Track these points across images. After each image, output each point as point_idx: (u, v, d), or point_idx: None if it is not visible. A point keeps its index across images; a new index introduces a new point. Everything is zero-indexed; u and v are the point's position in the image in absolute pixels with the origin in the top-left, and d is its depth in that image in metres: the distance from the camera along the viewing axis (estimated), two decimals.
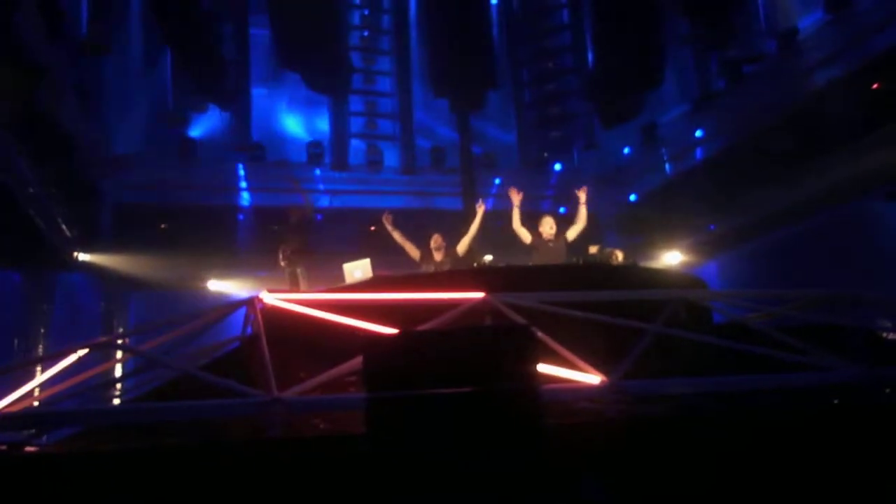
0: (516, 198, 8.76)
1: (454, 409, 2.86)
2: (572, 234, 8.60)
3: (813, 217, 12.62)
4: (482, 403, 2.87)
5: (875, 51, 11.18)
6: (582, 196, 8.67)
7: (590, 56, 16.00)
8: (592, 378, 4.97)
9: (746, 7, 13.46)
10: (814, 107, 11.95)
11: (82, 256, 14.32)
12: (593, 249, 8.84)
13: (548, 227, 8.56)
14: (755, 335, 6.11)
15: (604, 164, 17.64)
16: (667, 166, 16.11)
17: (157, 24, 13.62)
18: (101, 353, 6.87)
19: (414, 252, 8.72)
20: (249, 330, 6.55)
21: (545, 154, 17.47)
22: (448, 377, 2.88)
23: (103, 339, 7.71)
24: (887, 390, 5.48)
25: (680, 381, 5.54)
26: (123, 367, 8.18)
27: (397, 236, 8.84)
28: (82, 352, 5.72)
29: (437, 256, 9.11)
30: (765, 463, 4.62)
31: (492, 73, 15.73)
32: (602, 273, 8.20)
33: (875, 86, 10.94)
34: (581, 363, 5.13)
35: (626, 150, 17.47)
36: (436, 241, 9.05)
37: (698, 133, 15.41)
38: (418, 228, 14.09)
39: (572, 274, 7.65)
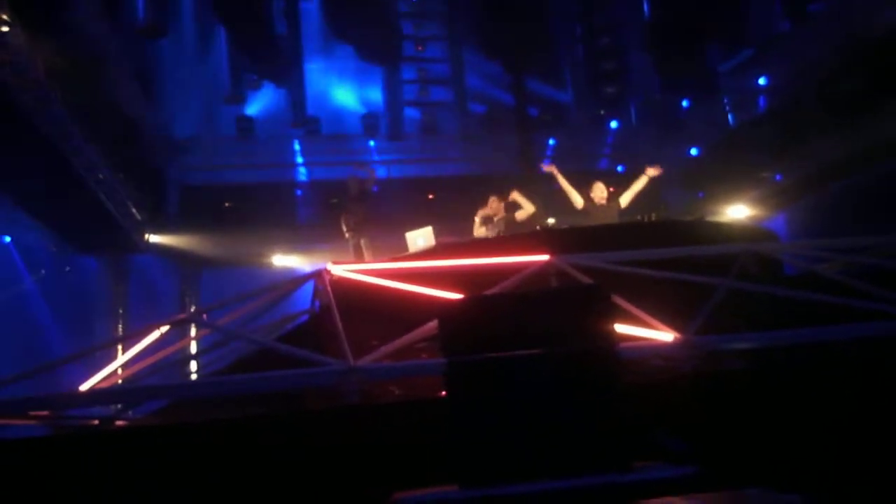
0: (555, 170, 8.67)
1: (533, 370, 2.88)
2: (625, 199, 8.44)
3: (884, 163, 12.06)
4: (560, 364, 2.88)
5: None
6: (651, 171, 8.48)
7: (646, 6, 15.51)
8: (666, 335, 4.92)
9: None
10: (884, 45, 11.34)
11: (153, 238, 14.81)
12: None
13: (599, 192, 8.43)
14: (828, 285, 5.93)
15: (663, 118, 17.20)
16: (729, 117, 15.60)
17: (209, 4, 13.79)
18: (178, 330, 7.12)
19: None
20: (318, 302, 6.70)
21: (601, 112, 17.11)
22: (524, 339, 2.89)
23: (183, 315, 7.97)
24: None
25: (754, 336, 5.43)
26: (200, 343, 8.47)
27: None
28: (164, 328, 5.93)
29: (491, 221, 9.08)
30: (842, 415, 4.51)
31: (544, 32, 15.41)
32: (668, 230, 8.06)
33: None
34: (653, 321, 5.08)
35: (685, 103, 16.98)
36: (492, 204, 9.02)
37: (762, 80, 14.85)
38: (477, 194, 14.09)
39: (638, 232, 7.53)
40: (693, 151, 16.71)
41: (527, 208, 8.71)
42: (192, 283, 16.28)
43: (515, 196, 8.77)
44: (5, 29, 8.20)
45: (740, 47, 15.28)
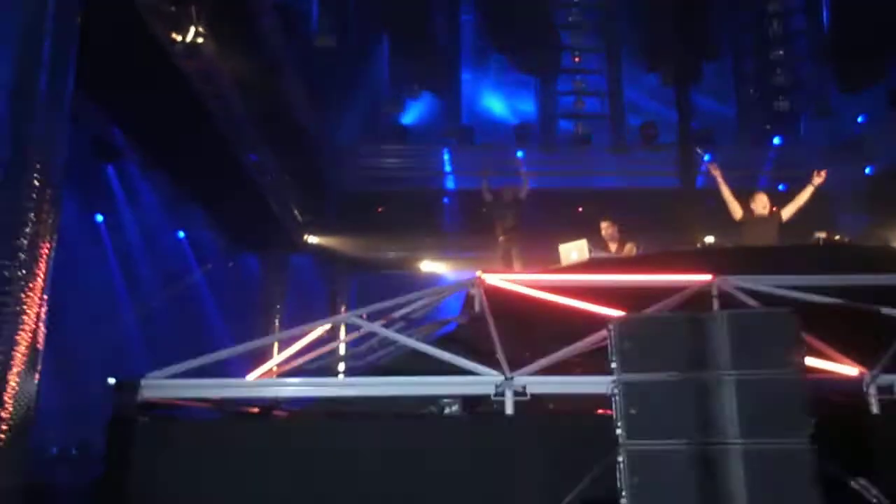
0: (718, 172, 8.19)
1: (714, 394, 2.72)
2: (787, 213, 7.85)
3: None
4: (747, 389, 2.71)
5: None
6: (817, 179, 7.87)
7: (825, 15, 14.48)
8: (849, 370, 4.52)
9: None
10: None
11: (311, 240, 15.58)
12: (821, 234, 8.02)
13: (761, 204, 7.90)
14: None
15: (835, 134, 15.97)
16: None
17: (375, 14, 14.36)
18: (330, 329, 7.41)
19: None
20: (468, 310, 6.73)
21: (768, 126, 16.14)
22: (705, 361, 2.74)
23: (342, 315, 8.30)
24: None
25: None
26: (349, 344, 8.78)
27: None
28: (324, 327, 6.19)
29: (611, 247, 8.85)
30: None
31: (709, 42, 14.78)
32: (844, 255, 7.43)
33: None
34: (835, 353, 4.69)
35: (860, 119, 15.68)
36: (607, 228, 8.79)
37: None
38: (631, 208, 13.73)
39: (807, 256, 7.00)
40: (868, 170, 15.38)
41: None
42: (344, 284, 16.94)
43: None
44: (200, 41, 8.94)
45: None
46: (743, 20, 16.56)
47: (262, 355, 7.06)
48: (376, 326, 6.26)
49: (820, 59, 14.83)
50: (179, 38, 8.87)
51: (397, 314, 6.74)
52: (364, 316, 6.60)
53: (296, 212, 14.36)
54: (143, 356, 14.06)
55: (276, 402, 6.39)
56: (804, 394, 2.76)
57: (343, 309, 16.02)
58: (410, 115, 17.39)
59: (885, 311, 5.18)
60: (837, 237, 7.76)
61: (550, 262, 9.08)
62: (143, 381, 5.06)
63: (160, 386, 5.13)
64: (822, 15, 14.74)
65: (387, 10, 13.33)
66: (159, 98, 9.48)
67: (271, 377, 6.36)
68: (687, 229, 10.21)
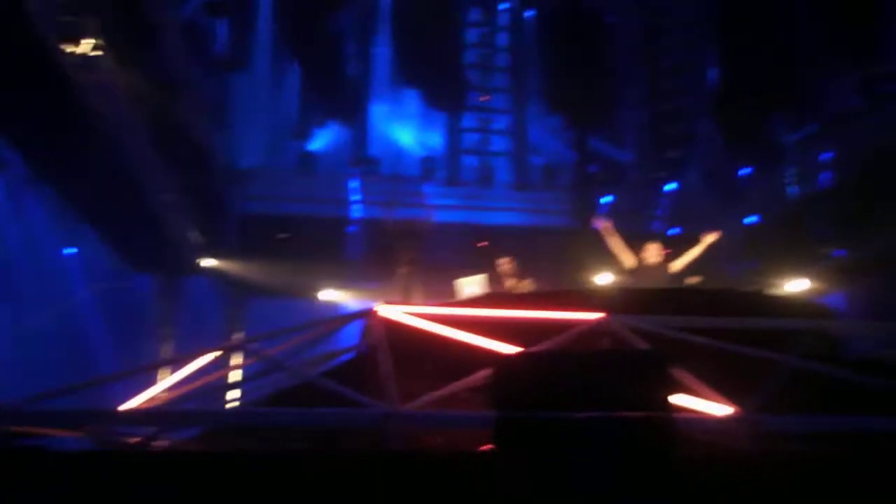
0: (605, 224, 8.51)
1: (585, 434, 2.78)
2: (677, 266, 8.25)
3: None
4: (614, 430, 2.78)
5: None
6: (709, 237, 8.29)
7: (712, 74, 15.51)
8: (724, 409, 4.73)
9: (888, 18, 12.61)
10: None
11: (207, 262, 15.11)
12: (693, 280, 8.46)
13: (652, 254, 8.24)
14: (893, 371, 5.67)
15: (722, 184, 16.99)
16: (792, 188, 15.32)
17: (286, 43, 14.30)
18: (222, 356, 7.17)
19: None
20: (365, 341, 6.67)
21: (661, 174, 17.01)
22: (578, 401, 2.81)
23: (232, 341, 8.05)
24: None
25: (814, 418, 5.20)
26: (243, 371, 8.52)
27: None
28: (214, 354, 5.98)
29: (508, 283, 9.04)
30: None
31: (609, 92, 15.53)
32: (727, 299, 7.85)
33: None
34: (711, 393, 4.91)
35: (745, 171, 16.75)
36: (505, 264, 8.98)
37: (827, 155, 14.58)
38: (529, 245, 14.06)
39: (695, 299, 7.35)
40: (751, 220, 16.41)
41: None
42: (239, 310, 16.49)
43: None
44: (97, 53, 8.62)
45: (807, 120, 15.07)
46: (639, 73, 17.46)
47: (151, 381, 6.74)
48: (268, 354, 6.10)
49: (708, 112, 15.81)
50: (75, 49, 8.52)
51: (292, 342, 6.61)
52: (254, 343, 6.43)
53: (192, 233, 13.91)
54: (19, 381, 13.15)
55: (156, 433, 6.09)
56: (674, 435, 2.86)
57: (237, 335, 15.60)
58: (319, 143, 17.27)
59: (761, 353, 5.49)
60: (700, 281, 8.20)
61: (451, 295, 9.17)
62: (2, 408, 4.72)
63: (21, 414, 4.79)
64: (709, 71, 15.76)
65: (298, 38, 13.29)
66: (50, 109, 9.04)
67: (156, 405, 6.07)
68: (583, 268, 10.53)
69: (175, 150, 11.76)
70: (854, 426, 5.05)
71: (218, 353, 6.13)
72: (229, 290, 16.09)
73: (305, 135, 16.33)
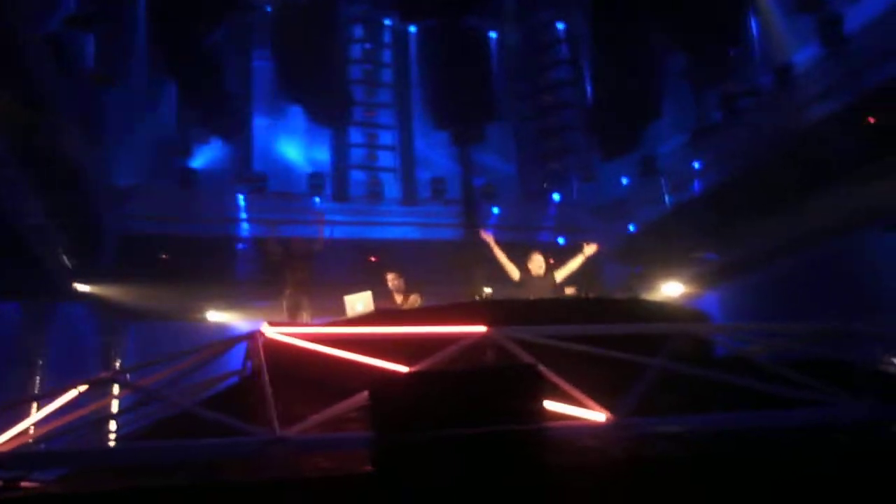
0: (489, 238, 8.81)
1: (460, 450, 2.84)
2: (560, 276, 8.62)
3: (814, 248, 12.64)
4: (488, 445, 2.85)
5: (870, 86, 11.34)
6: (588, 249, 8.68)
7: (589, 90, 16.22)
8: (598, 415, 4.93)
9: (743, 42, 13.63)
10: (811, 140, 12.06)
11: (82, 287, 14.29)
12: (570, 291, 8.86)
13: (536, 264, 8.57)
14: (757, 369, 6.09)
15: (602, 195, 17.75)
16: (666, 197, 16.18)
17: (162, 58, 13.78)
18: (100, 387, 6.82)
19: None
20: (250, 364, 6.52)
21: (545, 185, 17.56)
22: (455, 417, 2.86)
23: (102, 375, 7.63)
24: (894, 428, 5.44)
25: (683, 419, 5.50)
26: (121, 402, 8.13)
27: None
28: (82, 388, 5.67)
29: (397, 298, 9.17)
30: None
31: (492, 106, 15.92)
32: (604, 306, 8.21)
33: (871, 120, 11.03)
34: (586, 400, 5.10)
35: (624, 182, 17.57)
36: (393, 280, 9.12)
37: (696, 165, 15.52)
38: (419, 259, 14.17)
39: (576, 307, 7.64)
40: (630, 228, 17.22)
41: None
42: (120, 335, 15.69)
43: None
44: None
45: (677, 132, 15.99)
46: (521, 89, 17.97)
47: (19, 417, 6.31)
48: (144, 385, 5.85)
49: (585, 128, 16.54)
50: None
51: (173, 369, 6.37)
52: (128, 376, 6.15)
53: (64, 256, 13.13)
54: None
55: (22, 475, 5.72)
56: (543, 445, 2.97)
57: (118, 363, 14.85)
58: (201, 160, 16.72)
59: (631, 357, 5.76)
60: (582, 292, 8.61)
61: (340, 312, 9.09)
62: None
63: None
64: (586, 90, 16.51)
65: (173, 52, 12.84)
66: None
67: (23, 444, 5.70)
68: (472, 281, 10.73)
69: (43, 171, 11.09)
70: (719, 424, 5.38)
71: (90, 386, 5.82)
72: (107, 316, 15.27)
73: (187, 151, 15.76)
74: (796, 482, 4.56)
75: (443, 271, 14.11)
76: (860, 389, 5.54)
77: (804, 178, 12.09)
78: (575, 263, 8.62)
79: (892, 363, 7.48)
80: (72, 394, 5.59)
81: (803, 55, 13.10)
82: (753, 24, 13.81)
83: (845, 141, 11.34)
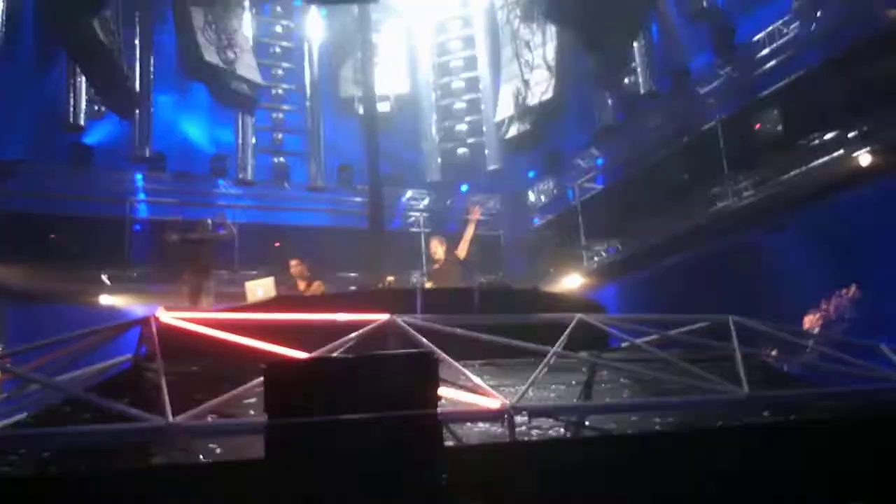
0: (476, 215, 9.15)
1: (355, 435, 2.87)
2: (462, 251, 8.86)
3: (704, 246, 13.34)
4: (382, 430, 2.90)
5: (757, 93, 12.07)
6: (473, 215, 8.99)
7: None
8: (493, 402, 5.07)
9: (644, 46, 14.17)
10: (702, 142, 12.74)
11: None
12: (483, 279, 9.21)
13: (436, 249, 8.84)
14: (648, 358, 6.44)
15: (509, 187, 18.08)
16: (569, 192, 16.65)
17: (52, 26, 12.97)
18: None
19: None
20: (144, 349, 6.32)
21: (453, 175, 17.70)
22: (352, 403, 2.89)
23: None
24: (765, 413, 5.85)
25: (575, 405, 5.74)
26: (3, 388, 7.71)
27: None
28: None
29: (300, 285, 9.20)
30: (656, 483, 4.85)
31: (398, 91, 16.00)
32: (503, 297, 8.44)
33: (757, 126, 11.74)
34: (482, 387, 5.23)
35: (531, 174, 17.97)
36: (295, 266, 9.15)
37: (598, 162, 16.07)
38: (325, 246, 14.02)
39: (478, 297, 7.79)
40: (535, 221, 17.64)
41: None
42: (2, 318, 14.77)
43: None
44: None
45: (582, 130, 16.47)
46: (426, 74, 17.99)
47: None
48: (27, 370, 5.58)
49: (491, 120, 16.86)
50: None
51: (60, 352, 6.11)
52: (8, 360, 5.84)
53: None
54: None
55: None
56: (440, 431, 3.04)
57: None
58: (95, 136, 15.88)
59: (527, 346, 5.96)
60: (496, 280, 8.88)
61: (242, 298, 8.92)
62: None
63: None
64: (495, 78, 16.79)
65: (62, 26, 12.06)
66: None
67: None
68: (377, 269, 10.72)
69: None
70: (608, 409, 5.65)
71: None
72: None
73: (79, 128, 14.92)
74: (677, 460, 4.85)
75: (349, 259, 14.04)
76: (738, 377, 5.92)
77: (696, 178, 12.76)
78: (468, 233, 8.92)
79: (771, 355, 8.05)
80: None
81: (700, 61, 13.78)
82: (654, 30, 14.36)
83: (733, 145, 12.03)
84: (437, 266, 9.15)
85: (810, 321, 12.02)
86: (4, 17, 12.75)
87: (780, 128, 11.31)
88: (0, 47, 12.53)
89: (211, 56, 14.72)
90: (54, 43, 13.89)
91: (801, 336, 8.94)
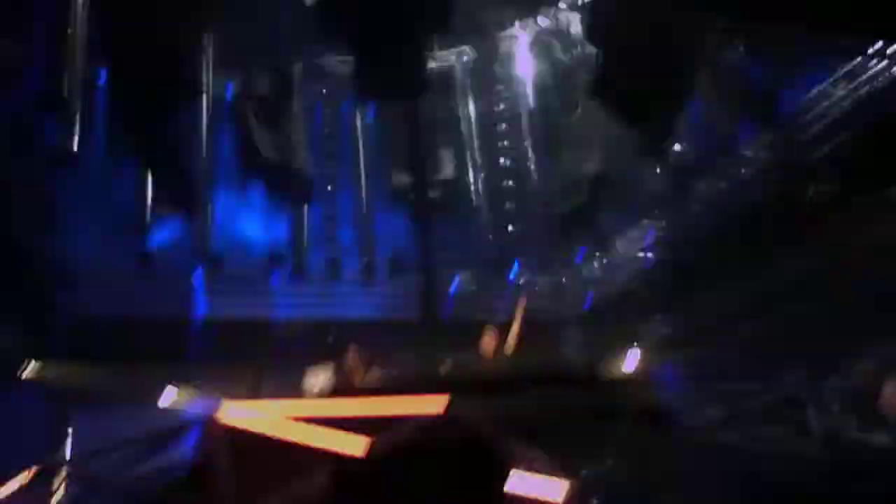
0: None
1: None
2: (510, 344, 8.86)
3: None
4: None
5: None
6: (521, 306, 8.93)
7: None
8: (563, 487, 4.90)
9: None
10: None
11: (32, 370, 13.77)
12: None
13: (488, 341, 8.82)
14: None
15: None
16: (621, 267, 16.43)
17: (122, 136, 13.73)
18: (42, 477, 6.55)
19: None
20: (205, 448, 6.36)
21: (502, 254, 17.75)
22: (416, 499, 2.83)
23: (49, 462, 7.37)
24: None
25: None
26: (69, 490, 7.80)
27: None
28: (30, 474, 5.46)
29: (356, 374, 9.15)
30: None
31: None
32: (564, 377, 8.24)
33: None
34: (550, 469, 5.09)
35: (580, 249, 17.83)
36: (352, 356, 9.11)
37: (647, 237, 15.92)
38: (378, 337, 14.07)
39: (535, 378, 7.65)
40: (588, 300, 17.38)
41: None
42: (69, 419, 15.06)
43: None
44: None
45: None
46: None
47: None
48: (92, 474, 5.64)
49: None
50: None
51: (124, 455, 6.20)
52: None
53: (13, 338, 12.71)
54: None
55: None
56: None
57: (63, 450, 14.22)
58: (157, 238, 16.48)
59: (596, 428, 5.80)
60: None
61: (299, 390, 8.97)
62: None
63: None
64: None
65: (131, 134, 12.79)
66: None
67: None
68: (431, 358, 10.70)
69: None
70: None
71: (32, 475, 5.60)
72: (57, 399, 14.67)
73: (144, 231, 15.55)
74: None
75: (402, 349, 14.02)
76: None
77: (755, 247, 12.54)
78: (516, 325, 8.84)
79: None
80: (15, 483, 5.37)
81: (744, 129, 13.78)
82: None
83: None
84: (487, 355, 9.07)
85: None
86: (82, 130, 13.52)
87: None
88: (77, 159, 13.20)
89: (266, 153, 15.31)
90: (125, 152, 14.62)
91: None
